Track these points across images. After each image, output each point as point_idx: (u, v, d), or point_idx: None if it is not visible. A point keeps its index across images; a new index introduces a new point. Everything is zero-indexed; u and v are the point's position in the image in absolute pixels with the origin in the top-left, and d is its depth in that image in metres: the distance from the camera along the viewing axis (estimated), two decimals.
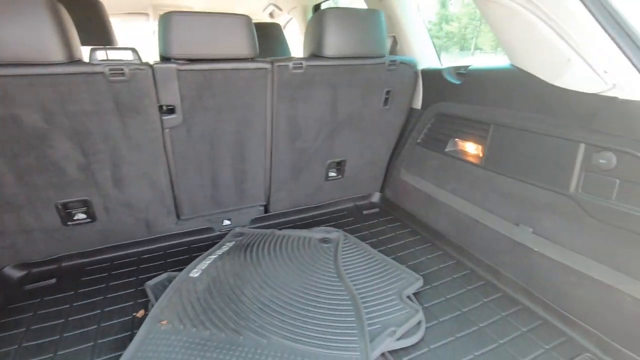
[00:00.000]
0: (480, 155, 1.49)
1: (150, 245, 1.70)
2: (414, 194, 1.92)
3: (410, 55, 1.96)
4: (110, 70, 1.22)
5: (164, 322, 1.16)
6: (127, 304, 1.36)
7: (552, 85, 1.16)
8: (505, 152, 1.38)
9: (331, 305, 1.26)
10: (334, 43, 1.58)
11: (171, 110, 1.42)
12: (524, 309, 1.30)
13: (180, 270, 1.46)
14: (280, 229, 1.81)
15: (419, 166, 1.87)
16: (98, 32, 2.11)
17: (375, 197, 2.23)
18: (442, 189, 1.70)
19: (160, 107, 1.40)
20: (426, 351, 1.14)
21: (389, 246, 1.75)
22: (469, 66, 1.58)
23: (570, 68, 1.05)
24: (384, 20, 1.68)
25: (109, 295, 1.40)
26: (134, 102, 1.31)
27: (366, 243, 1.74)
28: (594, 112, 1.05)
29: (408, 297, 1.35)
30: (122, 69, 1.24)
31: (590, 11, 0.94)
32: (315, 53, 1.63)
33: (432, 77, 1.81)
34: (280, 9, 3.28)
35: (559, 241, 1.20)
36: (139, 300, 1.38)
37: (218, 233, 1.85)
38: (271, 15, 3.47)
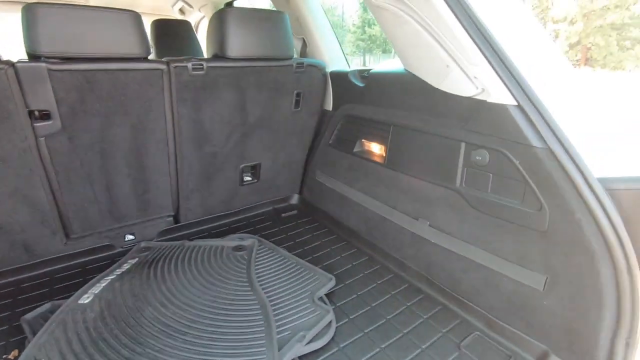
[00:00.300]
0: (384, 154, 1.56)
1: (32, 272, 1.47)
2: (329, 195, 1.95)
3: (320, 58, 1.99)
4: None
5: (14, 353, 1.01)
6: None
7: (437, 89, 1.25)
8: (403, 151, 1.47)
9: (241, 318, 1.22)
10: (237, 44, 1.53)
11: (46, 116, 1.24)
12: (426, 297, 1.40)
13: (69, 297, 1.29)
14: (191, 240, 1.71)
15: (332, 167, 1.91)
16: None
17: (294, 199, 2.23)
18: (352, 188, 1.76)
19: (31, 112, 1.21)
20: (336, 351, 1.16)
21: (306, 248, 1.76)
22: (370, 70, 1.65)
23: (449, 74, 1.15)
24: (289, 22, 1.67)
25: None
26: None
27: (283, 247, 1.72)
28: (470, 113, 1.16)
29: (320, 298, 1.36)
30: None
31: (462, 24, 1.03)
32: (218, 54, 1.56)
33: (340, 80, 1.86)
34: (190, 6, 3.10)
35: (450, 231, 1.31)
36: (12, 339, 1.18)
37: (120, 250, 1.68)
38: (181, 11, 3.28)
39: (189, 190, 1.76)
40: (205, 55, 1.93)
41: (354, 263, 1.62)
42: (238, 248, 1.64)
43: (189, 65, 1.43)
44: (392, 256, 1.58)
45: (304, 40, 2.04)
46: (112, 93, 1.31)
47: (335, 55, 2.00)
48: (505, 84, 1.01)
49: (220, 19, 1.52)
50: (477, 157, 1.15)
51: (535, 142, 0.99)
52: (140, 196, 1.63)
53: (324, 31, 1.97)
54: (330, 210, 1.96)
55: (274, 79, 1.70)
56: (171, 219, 1.81)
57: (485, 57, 1.02)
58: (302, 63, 1.75)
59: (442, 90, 1.24)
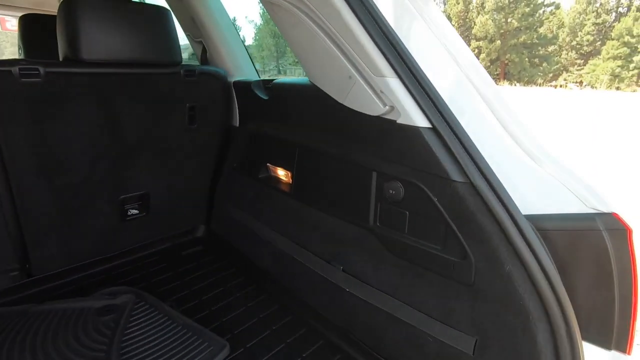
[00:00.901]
0: (290, 182, 1.29)
1: None
2: (237, 227, 1.63)
3: (222, 65, 1.68)
4: None
5: None
6: None
7: (343, 105, 1.01)
8: (310, 179, 1.21)
9: None
10: (94, 43, 1.17)
11: None
12: (345, 358, 1.14)
13: None
14: (43, 303, 1.28)
15: (238, 195, 1.60)
16: None
17: (200, 231, 1.87)
18: (259, 221, 1.46)
19: None
20: None
21: (204, 298, 1.41)
22: (274, 79, 1.38)
23: (352, 87, 0.91)
24: (171, 20, 1.35)
25: None
26: None
27: (173, 299, 1.37)
28: (380, 137, 0.93)
29: None
30: None
31: (364, 26, 0.79)
32: (68, 56, 1.18)
33: (245, 91, 1.57)
34: None
35: (366, 279, 1.07)
36: None
37: None
38: None
39: (40, 234, 1.33)
40: None
41: (261, 315, 1.32)
42: (105, 310, 1.25)
43: (15, 69, 1.04)
44: (307, 304, 1.30)
45: (203, 45, 1.72)
46: None
47: (241, 62, 1.71)
48: (416, 100, 0.79)
49: (68, 10, 1.15)
50: (391, 191, 0.92)
51: (454, 174, 0.78)
52: None
53: (225, 34, 1.66)
54: (239, 245, 1.64)
55: (155, 89, 1.35)
56: (17, 273, 1.36)
57: (393, 67, 0.80)
58: (193, 70, 1.43)
59: (347, 107, 1.00)
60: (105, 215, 1.48)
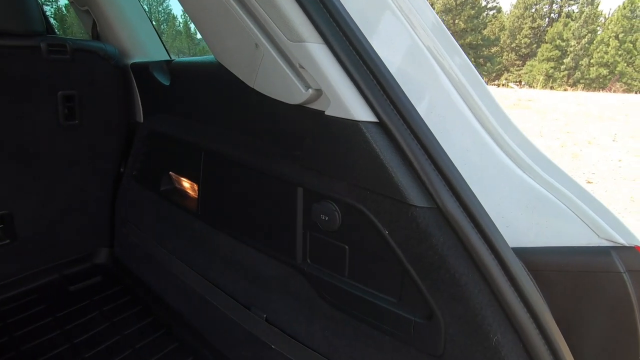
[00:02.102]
0: (196, 197, 0.96)
1: None
2: (141, 253, 1.26)
3: (116, 42, 1.29)
4: None
5: None
6: None
7: (255, 92, 0.69)
8: (219, 195, 0.89)
9: None
10: None
11: None
12: None
13: None
14: None
15: (138, 212, 1.23)
16: None
17: (102, 257, 1.47)
18: (163, 248, 1.11)
19: None
20: None
21: (98, 349, 1.04)
22: (173, 60, 1.03)
23: (261, 60, 0.60)
24: None
25: None
26: None
27: (49, 357, 0.98)
28: (304, 136, 0.63)
29: None
30: None
31: None
32: None
33: (144, 76, 1.20)
34: None
35: (295, 334, 0.77)
36: None
37: None
38: None
39: None
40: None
41: None
42: None
43: None
44: (226, 357, 0.98)
45: (93, 18, 1.31)
46: None
47: (143, 40, 1.33)
48: (354, 79, 0.50)
49: None
50: (323, 216, 0.63)
51: (413, 195, 0.50)
52: None
53: (120, 2, 1.28)
54: (145, 275, 1.27)
55: (2, 71, 0.95)
56: None
57: (317, 26, 0.50)
58: (63, 45, 1.04)
59: (259, 93, 0.68)
60: None
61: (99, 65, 1.14)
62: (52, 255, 1.33)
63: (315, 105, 0.58)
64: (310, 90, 0.55)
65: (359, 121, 0.51)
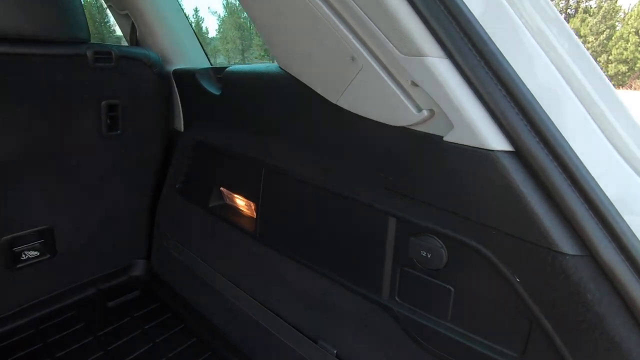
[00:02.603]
0: (254, 218, 0.89)
1: None
2: (183, 269, 1.21)
3: (157, 48, 1.23)
4: None
5: None
6: None
7: (337, 107, 0.62)
8: (284, 217, 0.81)
9: None
10: None
11: None
12: None
13: None
14: None
15: (182, 227, 1.17)
16: None
17: (138, 269, 1.42)
18: (211, 267, 1.05)
19: None
20: None
21: None
22: (227, 67, 0.96)
23: (356, 75, 0.52)
24: None
25: None
26: None
27: None
28: (407, 161, 0.55)
29: None
30: None
31: None
32: None
33: (187, 84, 1.14)
34: None
35: None
36: None
37: None
38: None
39: None
40: None
41: None
42: None
43: None
44: None
45: (132, 21, 1.26)
46: None
47: (186, 46, 1.27)
48: (485, 101, 0.42)
49: None
50: (423, 253, 0.55)
51: (559, 239, 0.42)
52: None
53: (161, 6, 1.22)
54: (187, 293, 1.21)
55: (45, 79, 0.90)
56: None
57: (439, 39, 0.42)
58: (109, 52, 0.98)
59: (346, 110, 0.61)
60: None
61: (142, 72, 1.08)
62: (88, 269, 1.28)
63: (426, 129, 0.50)
64: (424, 112, 0.47)
65: (491, 150, 0.43)
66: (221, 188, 1.00)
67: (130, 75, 1.06)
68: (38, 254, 1.13)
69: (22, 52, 0.85)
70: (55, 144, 0.99)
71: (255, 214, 0.87)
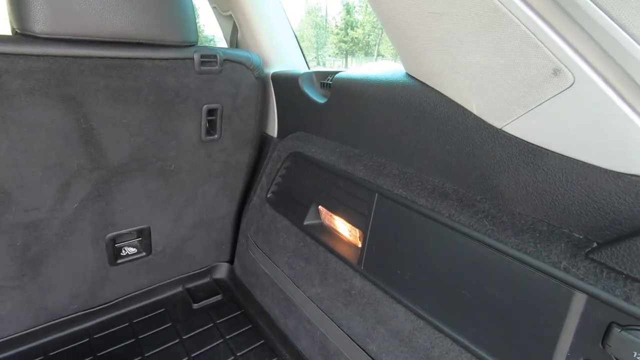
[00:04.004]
0: (359, 245, 0.77)
1: None
2: (267, 281, 1.15)
3: (257, 50, 1.19)
4: None
5: None
6: None
7: (498, 133, 0.47)
8: (400, 253, 0.68)
9: None
10: (56, 9, 0.72)
11: None
12: None
13: None
14: None
15: (270, 239, 1.11)
16: None
17: (221, 272, 1.42)
18: (300, 289, 0.96)
19: None
20: None
21: None
22: (337, 73, 0.86)
23: (558, 93, 0.37)
24: None
25: None
26: None
27: None
28: (619, 220, 0.38)
29: None
30: None
31: None
32: (17, 29, 0.74)
33: (287, 88, 1.07)
34: None
35: None
36: None
37: None
38: None
39: None
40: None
41: None
42: None
43: None
44: None
45: (233, 22, 1.23)
46: None
47: (285, 48, 1.21)
48: None
49: None
50: (636, 355, 0.38)
51: None
52: None
53: (265, 7, 1.17)
54: (269, 308, 1.16)
55: (153, 83, 0.89)
56: None
57: None
58: (214, 56, 0.95)
59: (515, 139, 0.46)
60: (86, 258, 1.05)
61: (243, 76, 1.04)
62: (177, 268, 1.30)
63: None
64: None
65: None
66: (319, 207, 0.90)
67: (232, 78, 1.02)
68: (136, 251, 1.16)
69: (136, 55, 0.84)
70: (157, 147, 0.99)
71: (360, 243, 0.76)
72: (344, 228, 0.84)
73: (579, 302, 0.42)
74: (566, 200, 0.42)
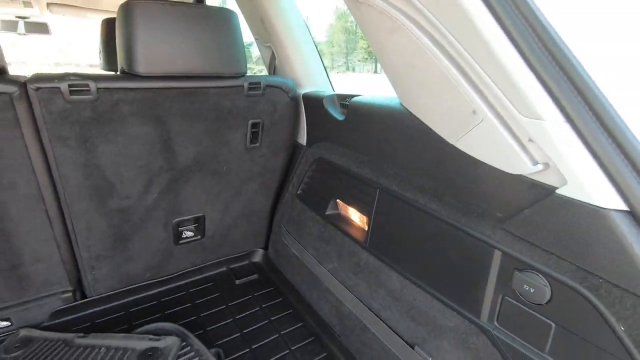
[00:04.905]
0: (365, 230, 1.02)
1: None
2: (296, 263, 1.42)
3: (291, 74, 1.47)
4: None
5: None
6: None
7: (454, 147, 0.71)
8: (394, 233, 0.93)
9: None
10: (151, 57, 1.02)
11: None
12: None
13: None
14: (88, 333, 1.19)
15: (299, 227, 1.38)
16: None
17: (257, 256, 1.70)
18: (322, 265, 1.22)
19: None
20: None
21: (254, 347, 1.22)
22: (353, 96, 1.12)
23: (476, 125, 0.61)
24: (237, 24, 1.16)
25: None
26: None
27: (222, 342, 1.20)
28: (517, 203, 0.61)
29: None
30: None
31: (510, 37, 0.49)
32: (125, 69, 1.05)
33: (315, 106, 1.34)
34: None
35: None
36: None
37: None
38: None
39: (93, 257, 1.24)
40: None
41: None
42: (148, 354, 1.11)
43: (64, 86, 0.92)
44: None
45: (272, 51, 1.52)
46: None
47: (314, 72, 1.48)
48: (602, 164, 0.47)
49: (126, 17, 1.01)
50: (526, 287, 0.61)
51: None
52: (8, 271, 1.11)
53: (297, 38, 1.44)
54: (297, 284, 1.42)
55: (213, 105, 1.18)
56: (69, 294, 1.30)
57: (561, 106, 0.48)
58: (259, 83, 1.23)
59: (462, 151, 0.70)
60: (157, 239, 1.36)
61: (280, 97, 1.31)
62: (222, 251, 1.59)
63: (541, 178, 0.56)
64: (539, 165, 0.54)
65: (604, 208, 0.48)
66: (337, 200, 1.16)
67: (271, 99, 1.30)
68: (193, 234, 1.46)
69: (203, 85, 1.14)
70: (214, 153, 1.29)
71: (366, 226, 1.01)
72: (355, 216, 1.10)
73: (497, 257, 0.65)
74: (490, 190, 0.65)
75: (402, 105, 0.87)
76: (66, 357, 1.08)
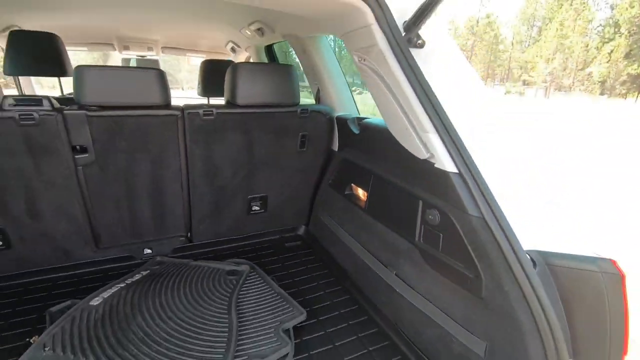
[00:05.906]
0: (365, 200, 1.65)
1: (65, 272, 1.80)
2: (328, 232, 2.06)
3: (330, 102, 2.15)
4: (20, 115, 1.38)
5: (35, 339, 1.29)
6: (26, 329, 1.46)
7: (404, 148, 1.33)
8: (380, 201, 1.55)
9: (209, 337, 1.38)
10: (245, 94, 1.77)
11: (84, 150, 1.57)
12: (390, 345, 1.43)
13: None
14: (197, 260, 1.94)
15: (330, 206, 2.03)
16: (52, 63, 2.23)
17: (301, 230, 2.37)
18: (343, 229, 1.85)
19: (74, 147, 1.55)
20: None
21: (296, 279, 1.88)
22: (364, 118, 1.77)
23: (409, 136, 1.23)
24: (295, 74, 1.87)
25: (12, 320, 1.50)
26: (44, 143, 1.46)
27: (274, 275, 1.87)
28: (425, 174, 1.22)
29: (287, 330, 1.47)
30: (31, 114, 1.39)
31: (415, 93, 1.11)
32: (229, 101, 1.81)
33: (343, 124, 2.00)
34: (238, 46, 3.51)
35: (412, 284, 1.35)
36: (38, 326, 1.48)
37: (138, 261, 1.96)
38: (233, 50, 3.70)
39: (200, 216, 2.00)
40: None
41: (334, 300, 1.71)
42: (231, 272, 1.82)
43: (201, 112, 1.69)
44: (370, 300, 1.63)
45: (318, 88, 2.23)
46: (135, 134, 1.61)
47: (345, 101, 2.15)
48: (448, 151, 1.07)
49: (233, 72, 1.77)
50: (430, 217, 1.20)
51: (471, 210, 1.03)
52: (157, 218, 1.90)
53: (334, 78, 2.13)
54: (328, 247, 2.06)
55: (278, 123, 1.90)
56: (184, 238, 2.07)
57: (434, 125, 1.09)
58: (307, 109, 1.93)
59: (407, 150, 1.31)
60: (238, 209, 2.09)
61: (320, 119, 2.00)
62: (276, 223, 2.29)
63: (430, 160, 1.16)
64: (429, 153, 1.14)
65: (449, 171, 1.07)
66: (352, 184, 1.81)
67: (315, 119, 1.99)
68: (258, 208, 2.18)
69: (272, 110, 1.86)
70: (275, 154, 1.99)
71: (365, 198, 1.64)
72: (360, 192, 1.73)
73: (420, 204, 1.24)
74: (417, 167, 1.25)
75: (385, 125, 1.51)
76: (185, 271, 1.83)
